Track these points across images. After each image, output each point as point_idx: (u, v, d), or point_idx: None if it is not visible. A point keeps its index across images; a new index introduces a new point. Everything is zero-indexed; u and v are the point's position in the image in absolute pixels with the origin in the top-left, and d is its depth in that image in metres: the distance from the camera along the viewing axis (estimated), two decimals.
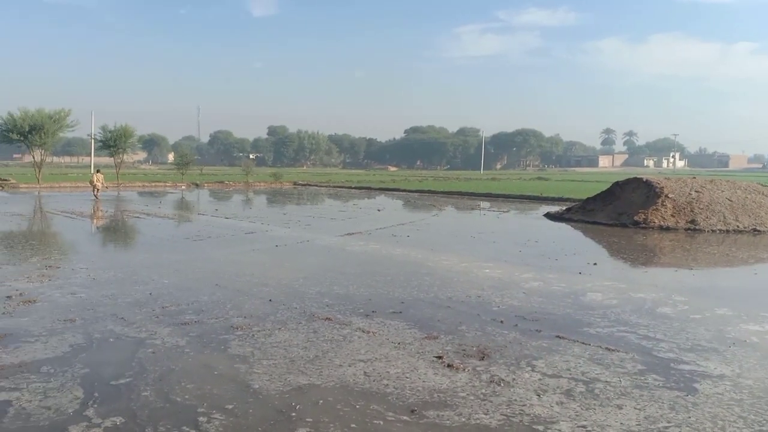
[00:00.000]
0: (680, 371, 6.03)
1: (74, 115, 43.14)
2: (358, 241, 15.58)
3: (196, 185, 45.88)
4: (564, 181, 58.80)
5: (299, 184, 50.94)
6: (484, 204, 31.90)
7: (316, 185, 49.65)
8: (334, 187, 47.73)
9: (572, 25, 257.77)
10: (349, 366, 6.08)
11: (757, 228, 18.84)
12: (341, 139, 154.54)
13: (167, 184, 45.80)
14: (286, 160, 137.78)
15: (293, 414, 4.93)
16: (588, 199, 23.97)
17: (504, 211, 26.95)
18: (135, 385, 5.49)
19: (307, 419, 4.83)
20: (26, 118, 40.35)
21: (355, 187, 46.14)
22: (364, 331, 7.26)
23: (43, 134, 40.38)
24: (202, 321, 7.65)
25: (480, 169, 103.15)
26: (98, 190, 31.34)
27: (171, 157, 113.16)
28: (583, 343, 6.94)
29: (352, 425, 4.74)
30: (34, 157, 42.12)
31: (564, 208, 24.89)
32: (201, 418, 4.84)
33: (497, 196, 36.50)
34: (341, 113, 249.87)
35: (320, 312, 8.14)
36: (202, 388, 5.46)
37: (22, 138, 40.78)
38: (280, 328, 7.35)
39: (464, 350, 6.61)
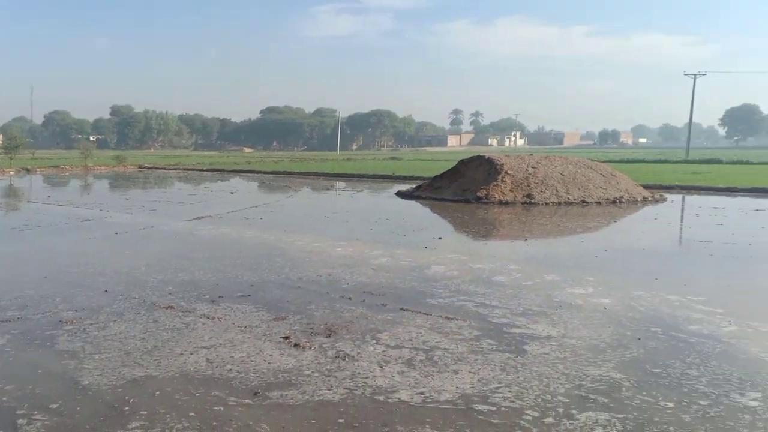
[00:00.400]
0: (512, 335, 6.44)
1: None
2: (207, 225, 15.05)
3: (27, 170, 41.80)
4: (415, 160, 59.97)
5: (145, 168, 48.21)
6: (340, 184, 32.06)
7: (165, 168, 47.25)
8: (184, 170, 45.69)
9: (424, 6, 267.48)
10: (191, 354, 5.83)
11: (585, 199, 20.57)
12: (193, 119, 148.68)
13: None
14: (131, 143, 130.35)
15: (126, 408, 4.65)
16: (435, 177, 24.78)
17: (358, 191, 27.31)
18: None
19: (142, 412, 4.58)
20: None
21: (207, 170, 44.43)
22: (208, 318, 7.00)
23: None
24: (26, 317, 7.01)
25: (336, 150, 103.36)
26: None
27: None
28: (425, 313, 7.18)
29: (191, 414, 4.57)
30: None
31: (414, 186, 25.60)
32: (20, 421, 4.43)
33: (352, 176, 36.79)
34: (194, 93, 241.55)
35: (162, 300, 7.75)
36: (24, 389, 5.00)
37: None
38: (115, 320, 6.90)
39: (312, 329, 6.60)
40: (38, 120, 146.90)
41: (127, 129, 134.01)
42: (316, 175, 38.50)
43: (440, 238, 13.14)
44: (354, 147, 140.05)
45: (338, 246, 11.99)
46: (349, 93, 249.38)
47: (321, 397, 4.84)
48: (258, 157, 70.90)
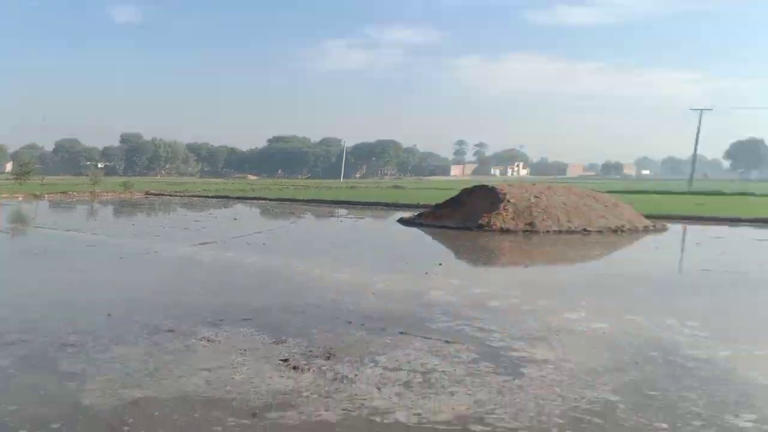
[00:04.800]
0: (510, 358, 5.97)
1: None
2: (211, 251, 13.69)
3: (35, 196, 36.70)
4: (418, 189, 54.34)
5: (152, 194, 43.07)
6: (342, 211, 29.04)
7: (170, 195, 42.01)
8: (190, 196, 40.45)
9: (434, 42, 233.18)
10: (191, 376, 5.26)
11: (587, 228, 18.84)
12: (200, 147, 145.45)
13: (3, 196, 35.79)
14: (139, 170, 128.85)
15: (126, 428, 4.34)
16: (437, 205, 23.09)
17: (360, 218, 25.37)
18: None
19: None
20: None
21: (212, 197, 39.90)
22: (209, 341, 6.45)
23: None
24: (30, 340, 6.43)
25: (340, 178, 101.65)
26: None
27: (9, 166, 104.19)
28: (423, 337, 6.69)
29: None
30: None
31: (416, 213, 23.60)
32: None
33: (355, 203, 33.67)
34: (203, 122, 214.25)
35: (164, 323, 7.06)
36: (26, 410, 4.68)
37: None
38: (117, 343, 6.34)
39: (311, 351, 6.06)
40: (49, 147, 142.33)
41: (135, 156, 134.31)
42: (319, 202, 35.02)
43: (440, 264, 12.24)
44: (357, 175, 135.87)
45: (341, 272, 11.02)
46: (356, 124, 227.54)
47: (319, 418, 4.56)
48: (262, 185, 67.59)
